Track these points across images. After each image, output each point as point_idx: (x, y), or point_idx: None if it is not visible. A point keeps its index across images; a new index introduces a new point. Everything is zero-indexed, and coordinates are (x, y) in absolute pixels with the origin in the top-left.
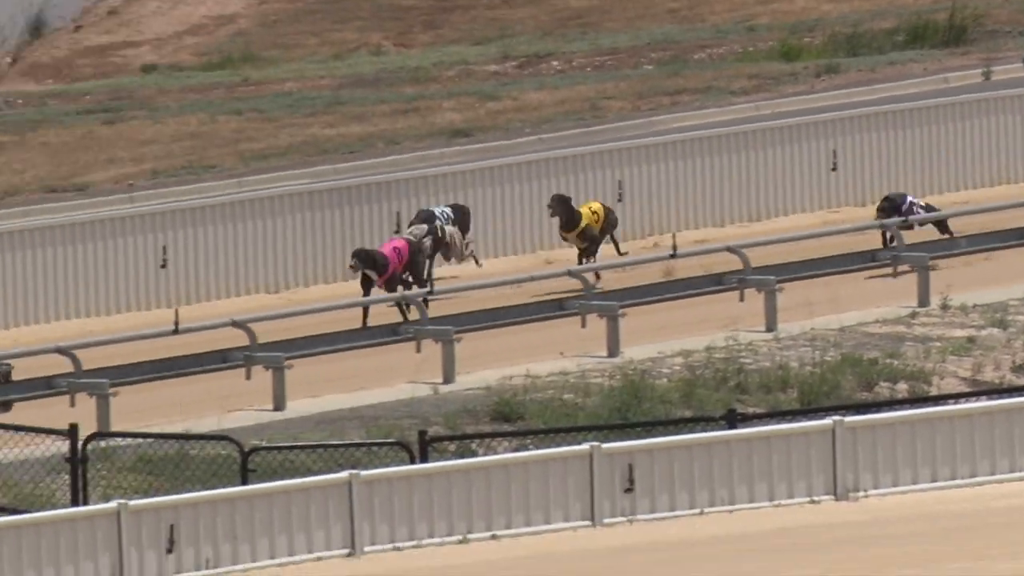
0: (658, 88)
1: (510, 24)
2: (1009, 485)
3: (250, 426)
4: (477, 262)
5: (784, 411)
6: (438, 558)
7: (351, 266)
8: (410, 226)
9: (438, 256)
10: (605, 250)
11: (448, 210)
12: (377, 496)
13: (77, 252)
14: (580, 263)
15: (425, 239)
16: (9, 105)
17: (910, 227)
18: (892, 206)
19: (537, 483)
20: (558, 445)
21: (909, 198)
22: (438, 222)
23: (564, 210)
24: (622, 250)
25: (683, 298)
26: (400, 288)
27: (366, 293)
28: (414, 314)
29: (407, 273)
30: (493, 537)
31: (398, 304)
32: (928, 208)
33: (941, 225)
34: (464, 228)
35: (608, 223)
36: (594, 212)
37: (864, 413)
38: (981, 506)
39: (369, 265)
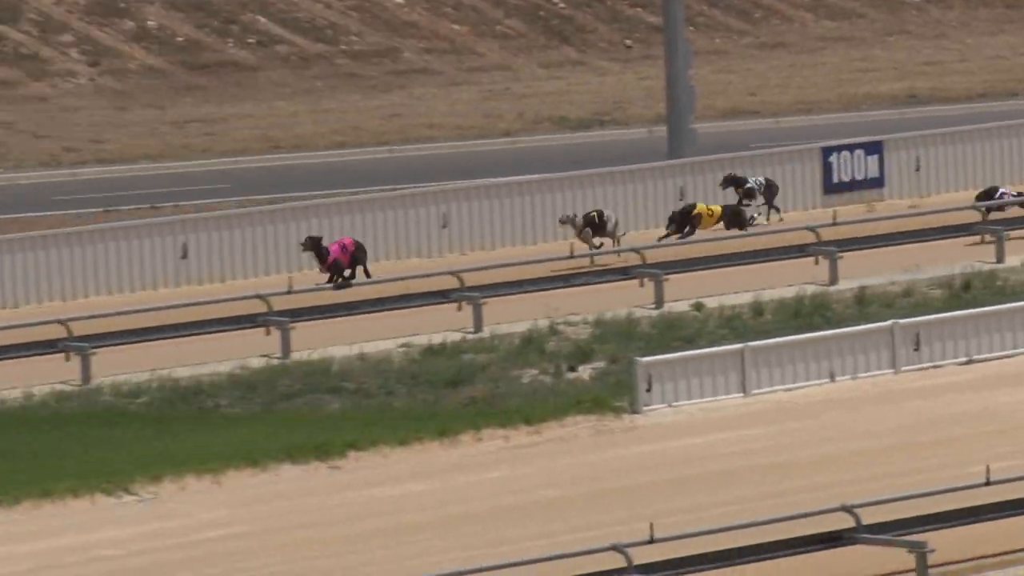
0: None
1: None
2: None
3: None
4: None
5: None
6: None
7: (301, 243)
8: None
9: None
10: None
11: (762, 180)
12: None
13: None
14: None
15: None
16: None
17: (1000, 209)
18: (986, 194)
19: None
20: None
21: (1001, 189)
22: (751, 185)
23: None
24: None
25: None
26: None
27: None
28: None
29: (358, 265)
30: None
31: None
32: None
33: None
34: (771, 199)
35: (729, 218)
36: (710, 210)
37: None
38: None
39: (313, 250)
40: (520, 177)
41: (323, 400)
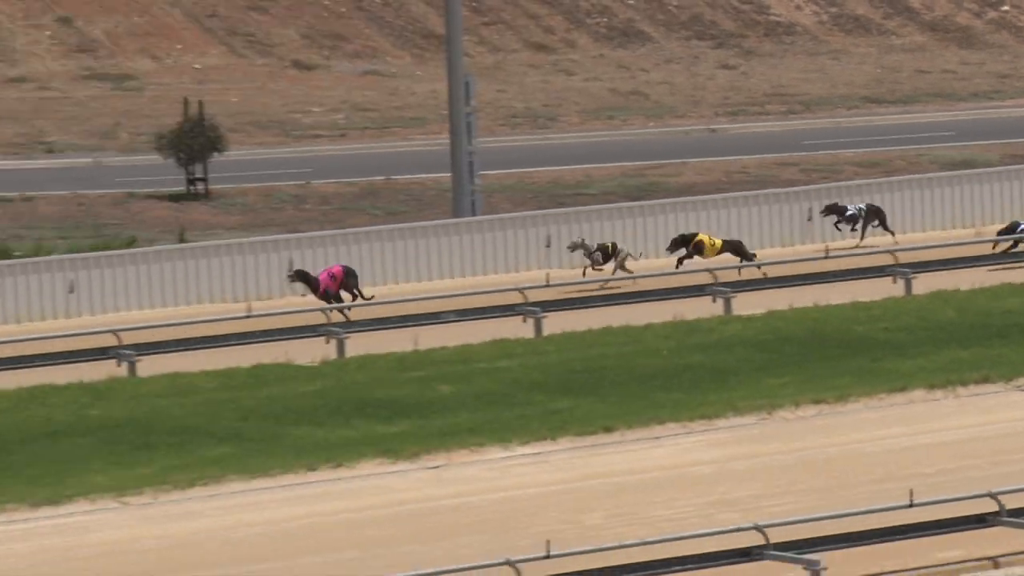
0: None
1: None
2: None
3: None
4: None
5: None
6: None
7: (288, 277)
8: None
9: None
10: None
11: (863, 207)
12: None
13: None
14: (679, 264)
15: (597, 252)
16: None
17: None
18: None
19: None
20: None
21: (1022, 224)
22: (851, 212)
23: (682, 240)
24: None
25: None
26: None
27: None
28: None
29: (345, 290)
30: None
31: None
32: None
33: None
34: (883, 221)
35: (730, 248)
36: (712, 242)
37: None
38: None
39: (302, 281)
40: None
41: None
